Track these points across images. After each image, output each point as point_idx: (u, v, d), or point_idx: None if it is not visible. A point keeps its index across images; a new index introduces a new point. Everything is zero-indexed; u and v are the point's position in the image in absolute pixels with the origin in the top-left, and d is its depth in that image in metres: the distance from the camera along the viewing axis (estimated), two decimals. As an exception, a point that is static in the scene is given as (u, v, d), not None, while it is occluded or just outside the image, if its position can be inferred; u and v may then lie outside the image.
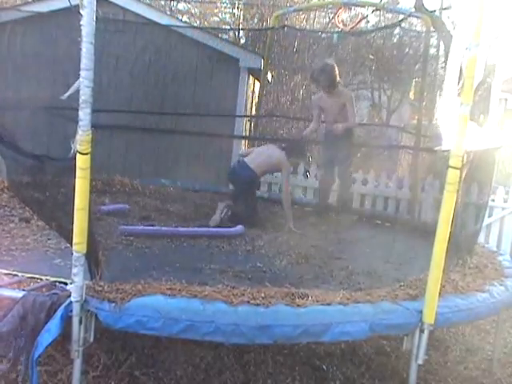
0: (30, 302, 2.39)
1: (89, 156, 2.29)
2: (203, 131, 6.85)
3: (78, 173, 2.29)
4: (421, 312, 2.70)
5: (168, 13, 13.09)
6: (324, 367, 3.41)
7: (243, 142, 7.68)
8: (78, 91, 2.27)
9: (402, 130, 10.94)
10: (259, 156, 5.31)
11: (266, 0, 13.51)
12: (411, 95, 16.24)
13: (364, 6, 9.47)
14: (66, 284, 2.53)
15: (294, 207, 5.42)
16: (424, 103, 7.52)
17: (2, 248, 3.46)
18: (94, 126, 2.29)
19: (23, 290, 2.52)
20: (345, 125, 5.35)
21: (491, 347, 4.07)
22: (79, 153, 2.27)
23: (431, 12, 8.75)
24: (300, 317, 2.54)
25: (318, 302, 2.66)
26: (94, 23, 2.22)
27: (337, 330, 2.56)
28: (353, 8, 10.59)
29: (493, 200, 6.69)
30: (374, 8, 9.86)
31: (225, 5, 16.29)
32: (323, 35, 10.93)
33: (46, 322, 2.33)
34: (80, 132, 2.26)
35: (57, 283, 2.66)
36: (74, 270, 2.36)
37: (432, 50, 12.86)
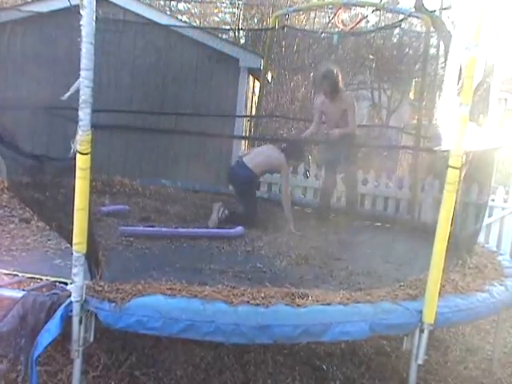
0: (30, 302, 2.39)
1: (89, 156, 2.29)
2: (203, 131, 6.85)
3: (78, 173, 2.29)
4: (421, 312, 2.70)
5: (168, 13, 13.10)
6: (324, 367, 3.41)
7: (243, 142, 7.69)
8: (77, 91, 2.27)
9: (402, 130, 10.94)
10: (258, 156, 5.30)
11: (265, 0, 13.51)
12: (411, 95, 16.24)
13: (364, 6, 9.48)
14: (66, 284, 2.53)
15: (294, 208, 5.41)
16: (424, 103, 7.51)
17: (3, 248, 3.46)
18: (94, 126, 2.29)
19: (23, 290, 2.52)
20: (342, 130, 5.35)
21: (491, 347, 4.07)
22: (79, 153, 2.27)
23: (431, 12, 8.76)
24: (300, 317, 2.55)
25: (318, 301, 2.66)
26: (94, 23, 2.22)
27: (337, 329, 2.56)
28: (353, 8, 10.60)
29: (493, 200, 6.69)
30: (374, 8, 9.85)
31: (225, 5, 16.29)
32: (323, 35, 10.92)
33: (46, 322, 2.33)
34: (80, 132, 2.26)
35: (57, 283, 2.66)
36: (74, 270, 2.36)
37: (432, 50, 12.87)
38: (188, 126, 6.89)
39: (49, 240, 3.76)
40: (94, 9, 2.20)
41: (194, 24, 14.40)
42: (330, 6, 10.50)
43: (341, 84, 5.41)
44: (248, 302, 2.56)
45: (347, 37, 9.90)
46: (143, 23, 7.21)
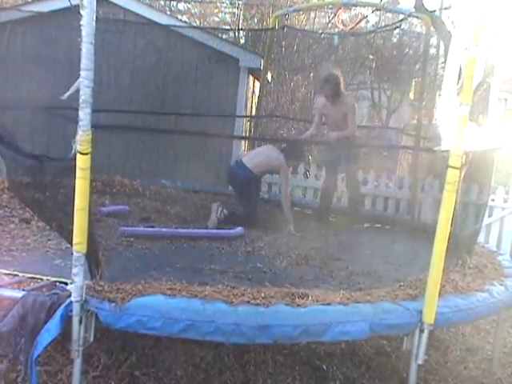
0: (30, 302, 2.39)
1: (89, 156, 2.29)
2: (203, 131, 6.85)
3: (78, 173, 2.29)
4: (421, 312, 2.70)
5: (168, 13, 13.10)
6: (324, 367, 3.41)
7: (243, 142, 7.69)
8: (77, 91, 2.27)
9: (401, 132, 10.93)
10: (258, 156, 5.30)
11: (265, 0, 13.51)
12: (411, 95, 16.25)
13: (364, 6, 9.48)
14: (66, 284, 2.53)
15: (294, 209, 5.41)
16: (424, 103, 7.52)
17: (3, 248, 3.47)
18: (94, 126, 2.29)
19: (23, 290, 2.52)
20: (341, 133, 5.37)
21: (491, 347, 4.07)
22: (79, 153, 2.27)
23: (431, 12, 8.76)
24: (300, 316, 2.55)
25: (318, 301, 2.66)
26: (94, 23, 2.22)
27: (337, 329, 2.56)
28: (353, 8, 10.60)
29: (493, 200, 6.69)
30: (374, 8, 9.85)
31: (225, 5, 16.30)
32: (323, 35, 10.92)
33: (46, 322, 2.33)
34: (80, 132, 2.26)
35: (57, 283, 2.66)
36: (74, 270, 2.36)
37: (432, 50, 12.88)
38: (188, 126, 6.90)
39: (49, 240, 3.76)
40: (94, 9, 2.20)
41: (194, 24, 14.40)
42: (330, 6, 10.50)
43: (342, 87, 5.43)
44: (248, 301, 2.56)
45: (347, 37, 9.91)
46: (143, 23, 7.21)
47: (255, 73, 7.67)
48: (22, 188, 2.69)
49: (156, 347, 3.19)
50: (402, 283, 3.10)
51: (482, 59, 2.90)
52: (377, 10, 11.23)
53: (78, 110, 2.26)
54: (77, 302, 2.37)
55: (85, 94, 2.24)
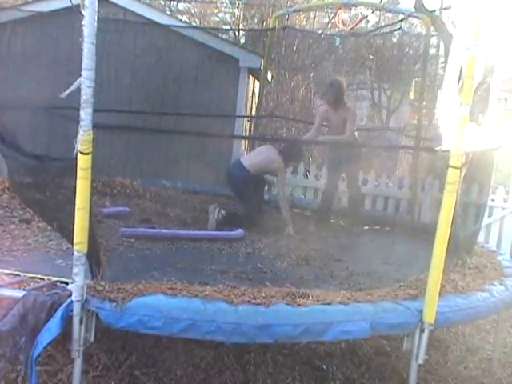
0: (31, 302, 2.39)
1: (90, 156, 2.29)
2: (203, 131, 6.85)
3: (79, 173, 2.29)
4: (421, 311, 2.70)
5: (168, 13, 13.09)
6: (324, 367, 3.41)
7: (243, 142, 7.69)
8: (78, 91, 2.27)
9: (401, 133, 10.92)
10: (256, 156, 5.30)
11: (266, 0, 13.51)
12: (411, 95, 16.25)
13: (365, 6, 9.48)
14: (66, 284, 2.52)
15: (294, 211, 5.41)
16: (424, 103, 7.51)
17: (4, 249, 3.47)
18: (95, 126, 2.29)
19: (24, 290, 2.52)
20: (336, 137, 5.42)
21: (491, 347, 4.08)
22: (80, 153, 2.27)
23: (431, 12, 8.76)
24: (301, 316, 2.55)
25: (318, 301, 2.66)
26: (96, 24, 2.22)
27: (338, 329, 2.56)
28: (353, 8, 10.60)
29: (493, 200, 6.69)
30: (374, 8, 9.85)
31: (225, 5, 16.30)
32: (323, 35, 10.92)
33: (47, 322, 2.33)
34: (81, 132, 2.26)
35: (58, 283, 2.66)
36: (75, 270, 2.36)
37: (432, 50, 12.88)
38: (188, 126, 6.89)
39: (50, 241, 3.76)
40: (96, 9, 2.20)
41: (194, 24, 14.39)
42: (330, 6, 10.50)
43: (344, 96, 5.52)
44: (249, 301, 2.56)
45: (347, 37, 9.90)
46: (143, 23, 7.21)
47: (255, 73, 7.67)
48: (23, 188, 2.69)
49: (156, 347, 3.20)
50: (402, 283, 3.11)
51: (483, 59, 2.90)
52: (377, 9, 11.23)
53: (78, 109, 2.26)
54: (77, 301, 2.37)
55: (86, 94, 2.24)
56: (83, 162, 2.29)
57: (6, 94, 6.70)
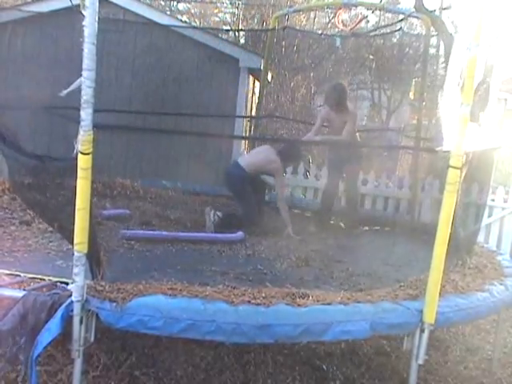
0: (31, 302, 2.39)
1: (90, 156, 2.29)
2: (203, 131, 6.84)
3: (80, 173, 2.29)
4: (421, 311, 2.70)
5: (168, 13, 13.10)
6: (324, 367, 3.41)
7: (243, 142, 7.69)
8: (78, 91, 2.27)
9: (401, 133, 10.92)
10: (254, 156, 5.29)
11: (266, 0, 13.52)
12: (411, 95, 16.24)
13: (364, 6, 9.46)
14: (67, 284, 2.53)
15: (294, 211, 5.39)
16: (424, 103, 7.51)
17: (4, 249, 3.47)
18: (96, 126, 2.29)
19: (24, 290, 2.52)
20: (334, 138, 5.43)
21: (491, 347, 4.08)
22: (81, 153, 2.27)
23: (431, 12, 8.75)
24: (301, 316, 2.55)
25: (318, 301, 2.66)
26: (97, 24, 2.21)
27: (338, 329, 2.56)
28: (353, 8, 10.59)
29: (493, 200, 6.69)
30: (374, 8, 9.85)
31: (225, 5, 16.30)
32: (323, 36, 10.92)
33: (47, 322, 2.33)
34: (82, 132, 2.27)
35: (58, 283, 2.66)
36: (75, 270, 2.36)
37: (432, 50, 12.87)
38: (188, 127, 6.90)
39: (50, 242, 3.77)
40: (97, 9, 2.20)
41: (194, 24, 14.40)
42: (330, 7, 10.49)
43: (346, 100, 5.52)
44: (249, 301, 2.56)
45: (347, 37, 9.90)
46: (143, 23, 7.21)
47: (255, 73, 7.67)
48: (24, 189, 2.69)
49: (156, 347, 3.20)
50: (402, 283, 3.11)
51: (483, 59, 2.90)
52: (377, 9, 11.23)
53: (79, 109, 2.26)
54: (78, 301, 2.37)
55: (87, 94, 2.24)
56: (83, 162, 2.29)
57: (7, 94, 6.70)
